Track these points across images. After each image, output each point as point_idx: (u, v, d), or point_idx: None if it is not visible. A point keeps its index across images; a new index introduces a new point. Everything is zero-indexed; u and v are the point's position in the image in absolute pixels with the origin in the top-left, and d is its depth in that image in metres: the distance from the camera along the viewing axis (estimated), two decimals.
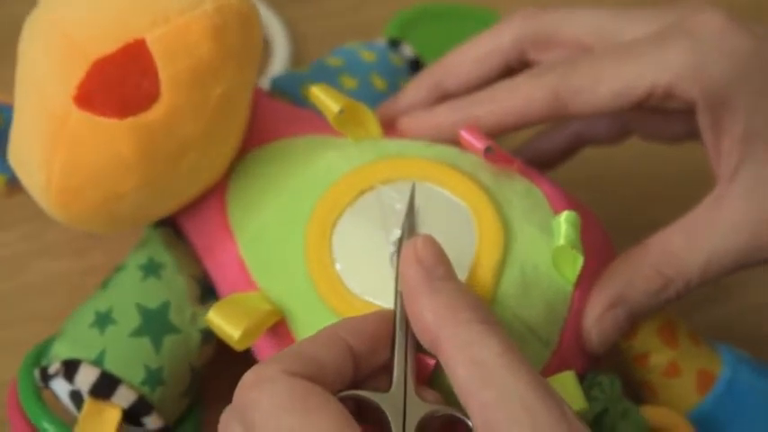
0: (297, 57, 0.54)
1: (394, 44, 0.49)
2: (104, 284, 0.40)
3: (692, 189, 0.53)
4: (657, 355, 0.40)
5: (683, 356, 0.40)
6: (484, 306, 0.32)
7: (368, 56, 0.47)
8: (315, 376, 0.30)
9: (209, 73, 0.35)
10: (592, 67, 0.38)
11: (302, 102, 0.44)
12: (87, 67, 0.34)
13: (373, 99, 0.44)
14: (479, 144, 0.38)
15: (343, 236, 0.37)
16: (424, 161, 0.38)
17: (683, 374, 0.40)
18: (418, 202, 0.37)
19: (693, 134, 0.43)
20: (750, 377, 0.40)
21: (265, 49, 0.53)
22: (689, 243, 0.38)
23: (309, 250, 0.37)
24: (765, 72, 0.37)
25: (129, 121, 0.35)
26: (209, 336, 0.39)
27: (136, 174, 0.36)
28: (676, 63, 0.37)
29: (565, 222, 0.35)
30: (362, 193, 0.38)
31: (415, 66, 0.48)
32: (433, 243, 0.33)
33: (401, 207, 0.37)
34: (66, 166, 0.35)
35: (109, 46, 0.34)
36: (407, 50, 0.49)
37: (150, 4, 0.35)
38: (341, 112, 0.39)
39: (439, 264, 0.33)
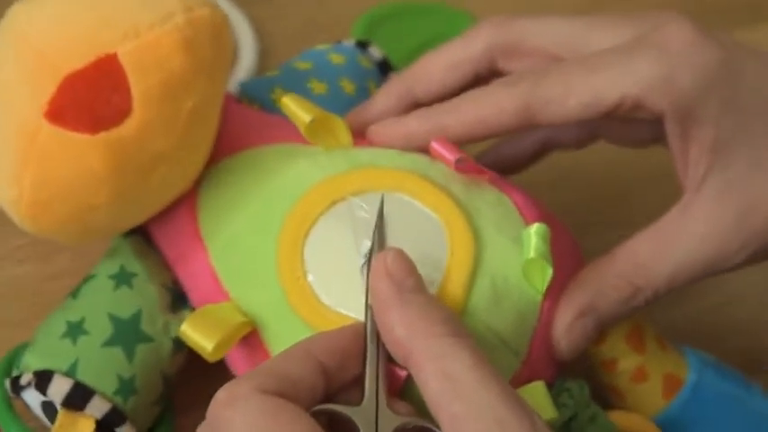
0: (264, 55, 0.54)
1: (362, 45, 0.49)
2: (75, 294, 0.40)
3: (656, 192, 0.54)
4: (625, 361, 0.41)
5: (651, 361, 0.41)
6: (455, 318, 0.33)
7: (336, 59, 0.47)
8: (287, 393, 0.31)
9: (180, 86, 0.36)
10: (561, 77, 0.38)
11: (272, 107, 0.44)
12: (58, 81, 0.34)
13: (342, 104, 0.45)
14: (450, 155, 0.38)
15: (315, 247, 0.37)
16: (396, 172, 0.39)
17: (650, 379, 0.41)
18: (389, 213, 0.38)
19: (659, 139, 0.43)
20: (714, 381, 0.41)
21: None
22: (656, 253, 0.38)
23: (281, 261, 0.37)
24: (732, 82, 0.37)
25: (101, 136, 0.35)
26: (180, 344, 0.40)
27: (107, 188, 0.36)
28: (646, 75, 0.37)
29: (535, 235, 0.36)
30: (334, 203, 0.38)
31: (384, 67, 0.49)
32: (402, 256, 0.34)
33: (372, 218, 0.37)
34: (37, 180, 0.35)
35: (80, 60, 0.35)
36: (376, 52, 0.49)
37: (121, 17, 0.35)
38: (311, 121, 0.39)
39: (409, 276, 0.33)
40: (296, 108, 0.39)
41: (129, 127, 0.35)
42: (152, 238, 0.42)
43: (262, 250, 0.38)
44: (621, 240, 0.40)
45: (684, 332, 0.48)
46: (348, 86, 0.46)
